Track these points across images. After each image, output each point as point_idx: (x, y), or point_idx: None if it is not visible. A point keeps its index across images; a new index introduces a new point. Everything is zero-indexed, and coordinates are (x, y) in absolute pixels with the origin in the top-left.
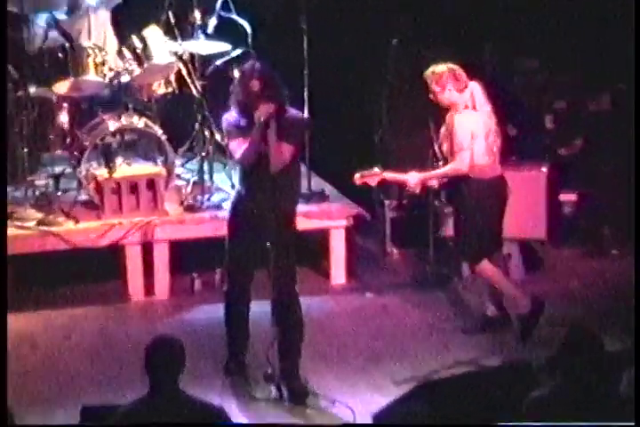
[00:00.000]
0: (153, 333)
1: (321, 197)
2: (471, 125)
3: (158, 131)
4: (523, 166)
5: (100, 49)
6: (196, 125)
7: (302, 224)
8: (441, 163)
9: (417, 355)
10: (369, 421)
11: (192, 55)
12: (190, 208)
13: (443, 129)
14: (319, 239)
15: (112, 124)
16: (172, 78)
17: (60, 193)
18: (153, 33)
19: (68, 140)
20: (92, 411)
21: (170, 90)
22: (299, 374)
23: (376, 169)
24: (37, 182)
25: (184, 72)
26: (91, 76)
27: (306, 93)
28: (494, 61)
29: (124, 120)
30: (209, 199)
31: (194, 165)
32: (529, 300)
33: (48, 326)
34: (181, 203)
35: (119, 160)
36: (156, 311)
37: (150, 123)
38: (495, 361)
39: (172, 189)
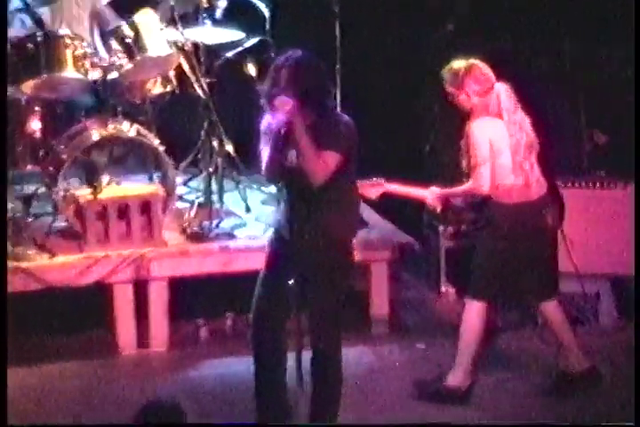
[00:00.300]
0: (147, 394)
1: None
2: (492, 135)
3: (154, 141)
4: (603, 183)
5: (81, 38)
6: (202, 134)
7: None
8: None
9: (479, 421)
10: None
11: (196, 46)
12: (195, 237)
13: (463, 140)
14: (356, 275)
15: (96, 133)
16: (172, 75)
17: (31, 219)
18: (147, 18)
19: (42, 152)
20: None
21: (168, 89)
22: None
23: (375, 179)
24: None
25: (186, 67)
26: (69, 72)
27: (338, 93)
28: (575, 53)
29: (112, 127)
30: (218, 226)
31: (199, 183)
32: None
33: (15, 388)
34: (183, 230)
35: (106, 178)
36: (152, 367)
37: (144, 131)
38: None
39: (171, 213)
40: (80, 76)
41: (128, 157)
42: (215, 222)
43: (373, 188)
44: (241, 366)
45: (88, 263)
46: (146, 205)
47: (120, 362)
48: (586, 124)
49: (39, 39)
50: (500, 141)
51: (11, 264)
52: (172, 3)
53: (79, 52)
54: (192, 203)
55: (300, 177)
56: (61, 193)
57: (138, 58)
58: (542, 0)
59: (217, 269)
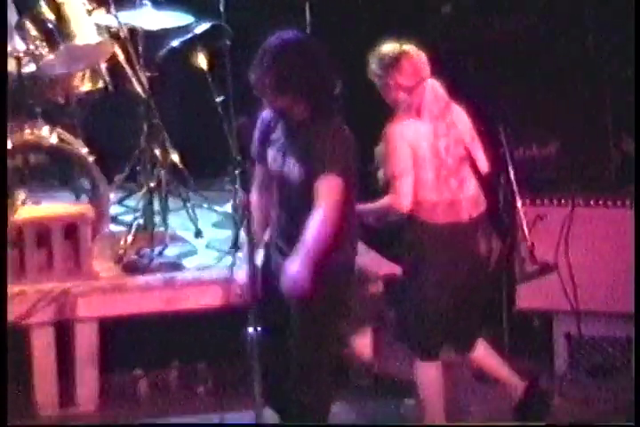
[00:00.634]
0: None
1: None
2: (414, 141)
3: (81, 149)
4: (596, 201)
5: None
6: (141, 140)
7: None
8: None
9: None
10: None
11: (133, 32)
12: (132, 268)
13: (379, 145)
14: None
15: (9, 140)
16: (103, 68)
17: None
18: None
19: None
20: None
21: (99, 86)
22: None
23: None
24: None
25: (121, 58)
26: None
27: None
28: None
29: (28, 133)
30: (161, 253)
31: (138, 201)
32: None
33: None
34: (119, 260)
35: (21, 195)
36: None
37: (69, 137)
38: None
39: (103, 238)
40: (6, 81)
41: (49, 169)
42: (158, 250)
43: None
44: None
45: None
46: (71, 229)
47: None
48: (612, 129)
49: None
50: (423, 150)
51: None
52: None
53: None
54: (129, 226)
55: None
56: None
57: (61, 47)
58: None
59: (159, 308)
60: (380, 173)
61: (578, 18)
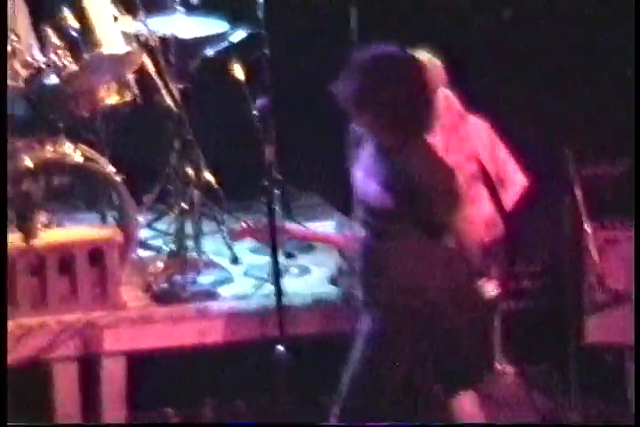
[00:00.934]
0: None
1: None
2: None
3: (108, 167)
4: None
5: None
6: (172, 158)
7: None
8: None
9: None
10: None
11: (164, 41)
12: (163, 297)
13: None
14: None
15: (30, 158)
16: (132, 79)
17: None
18: (97, 3)
19: None
20: None
21: (127, 99)
22: None
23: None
24: None
25: (151, 69)
26: None
27: None
28: None
29: (51, 150)
30: (194, 281)
31: (168, 224)
32: None
33: None
34: (148, 288)
35: (43, 218)
36: None
37: (94, 154)
38: None
39: (131, 264)
40: (6, 80)
41: (72, 189)
42: (190, 277)
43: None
44: None
45: (18, 334)
46: (97, 255)
47: None
48: None
49: None
50: None
51: None
52: None
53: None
54: (159, 251)
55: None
56: None
57: (86, 57)
58: None
59: (192, 341)
60: None
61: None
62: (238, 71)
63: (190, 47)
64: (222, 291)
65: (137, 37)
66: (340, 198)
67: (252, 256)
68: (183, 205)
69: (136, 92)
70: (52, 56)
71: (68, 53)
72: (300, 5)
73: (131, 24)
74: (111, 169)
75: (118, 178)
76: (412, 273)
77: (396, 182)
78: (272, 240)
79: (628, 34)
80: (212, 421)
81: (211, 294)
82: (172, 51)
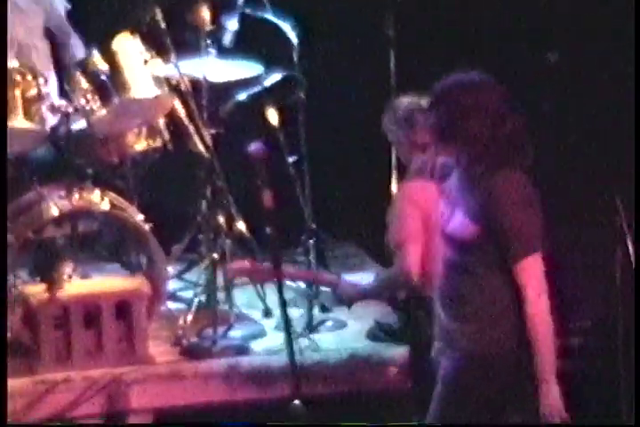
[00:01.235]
0: None
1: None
2: (426, 205)
3: (136, 216)
4: None
5: (35, 73)
6: (203, 206)
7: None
8: None
9: None
10: None
11: (196, 84)
12: (192, 351)
13: (389, 209)
14: None
15: (56, 206)
16: (162, 124)
17: None
18: (127, 46)
19: None
20: None
21: (157, 144)
22: None
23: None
24: None
25: (182, 113)
26: (18, 121)
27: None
28: None
29: (77, 198)
30: (225, 335)
31: (199, 274)
32: None
33: None
34: (177, 342)
35: (68, 268)
36: None
37: (123, 202)
38: None
39: (160, 317)
40: (33, 125)
41: (99, 238)
42: (221, 331)
43: (267, 273)
44: None
45: (41, 391)
46: (124, 307)
47: None
48: None
49: None
50: (436, 216)
51: None
52: (162, 25)
53: (32, 92)
54: (189, 303)
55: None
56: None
57: (115, 101)
58: None
59: (223, 398)
60: (388, 238)
61: None
62: (272, 116)
63: (223, 91)
64: (254, 345)
65: (168, 81)
66: (377, 249)
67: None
68: (214, 255)
69: (166, 137)
70: (81, 100)
71: (97, 97)
72: (336, 47)
73: (161, 67)
74: (140, 217)
75: (147, 226)
76: (495, 318)
77: (482, 213)
78: (309, 294)
79: None
80: None
81: (242, 349)
82: (203, 95)
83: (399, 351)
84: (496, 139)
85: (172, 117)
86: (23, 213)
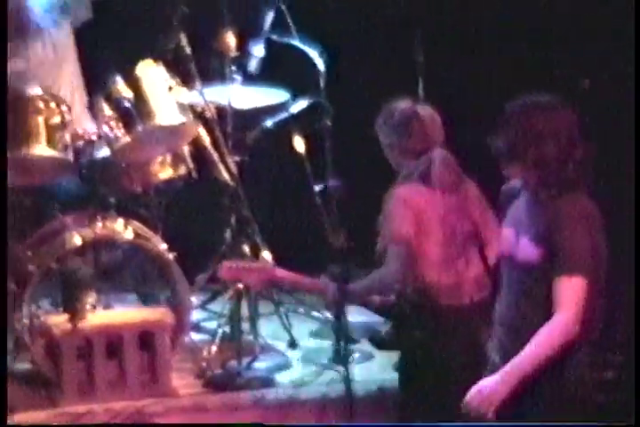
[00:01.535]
0: None
1: None
2: (418, 209)
3: (160, 245)
4: None
5: (59, 100)
6: (227, 234)
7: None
8: None
9: None
10: None
11: (221, 111)
12: (216, 383)
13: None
14: None
15: (78, 235)
16: (186, 152)
17: None
18: (152, 72)
19: None
20: None
21: (181, 172)
22: None
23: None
24: None
25: (207, 141)
26: (40, 148)
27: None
28: None
29: (101, 227)
30: (250, 367)
31: (223, 305)
32: None
33: None
34: (201, 374)
35: (91, 298)
36: None
37: (146, 231)
38: None
39: (183, 348)
40: (56, 153)
41: (124, 268)
42: (246, 362)
43: (258, 273)
44: None
45: (63, 423)
46: (147, 338)
47: None
48: None
49: None
50: (428, 220)
51: None
52: (187, 51)
53: (55, 120)
54: (213, 334)
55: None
56: (26, 321)
57: (139, 128)
58: None
59: None
60: (379, 243)
61: None
62: (299, 143)
63: (248, 118)
64: (280, 377)
65: (192, 108)
66: None
67: (312, 340)
68: (239, 285)
69: (191, 165)
70: (104, 127)
71: (121, 124)
72: (364, 74)
73: (186, 94)
74: (163, 246)
75: (171, 256)
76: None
77: (547, 235)
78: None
79: None
80: None
81: (267, 381)
82: (228, 122)
83: None
84: (568, 163)
85: (196, 145)
86: (46, 243)
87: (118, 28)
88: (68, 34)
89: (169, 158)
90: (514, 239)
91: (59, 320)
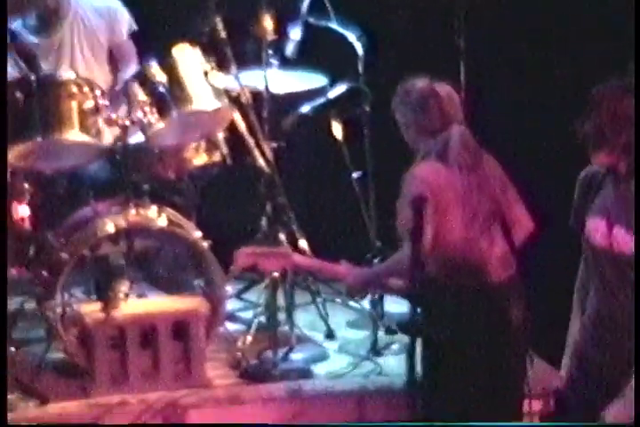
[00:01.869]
0: None
1: None
2: (437, 187)
3: (194, 232)
4: None
5: (92, 85)
6: (263, 222)
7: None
8: None
9: None
10: None
11: (257, 96)
12: (251, 374)
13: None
14: None
15: (111, 222)
16: (221, 138)
17: (13, 349)
18: (187, 56)
19: (32, 249)
20: None
21: (216, 159)
22: None
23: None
24: None
25: (242, 126)
26: (73, 134)
27: None
28: None
29: (134, 214)
30: (286, 358)
31: (259, 294)
32: None
33: None
34: (236, 365)
35: (124, 287)
36: None
37: (180, 218)
38: None
39: (218, 338)
40: (89, 139)
41: (157, 256)
42: (282, 353)
43: (276, 259)
44: None
45: (97, 413)
46: (181, 328)
47: None
48: None
49: (32, 86)
50: (447, 199)
51: None
52: (223, 35)
53: (89, 104)
54: (248, 324)
55: None
56: (59, 310)
57: (173, 113)
58: None
59: (284, 422)
60: (399, 225)
61: None
62: (337, 129)
63: (285, 103)
64: (316, 369)
65: (228, 93)
66: None
67: (349, 331)
68: (275, 274)
69: (225, 151)
70: (138, 113)
71: (155, 110)
72: (403, 58)
73: (222, 79)
74: (198, 234)
75: (205, 244)
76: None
77: None
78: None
79: None
80: None
81: (304, 373)
82: (265, 107)
83: None
84: None
85: (231, 131)
86: (78, 230)
87: (153, 10)
88: (105, 22)
89: (203, 144)
90: (605, 230)
91: (91, 309)
